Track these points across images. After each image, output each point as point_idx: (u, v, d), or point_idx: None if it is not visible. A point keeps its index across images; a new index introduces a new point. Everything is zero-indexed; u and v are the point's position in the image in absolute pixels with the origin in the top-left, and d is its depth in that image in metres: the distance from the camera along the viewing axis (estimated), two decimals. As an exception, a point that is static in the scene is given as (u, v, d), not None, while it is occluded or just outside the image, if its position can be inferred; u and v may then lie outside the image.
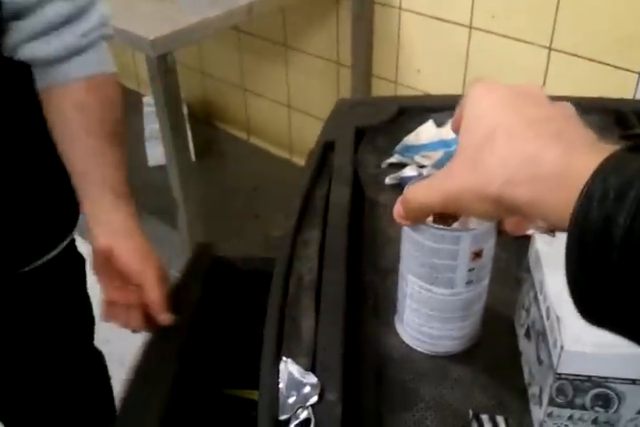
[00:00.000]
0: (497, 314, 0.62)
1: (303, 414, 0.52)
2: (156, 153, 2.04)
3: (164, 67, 1.38)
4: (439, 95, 1.02)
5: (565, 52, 1.47)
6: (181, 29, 1.34)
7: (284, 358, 0.57)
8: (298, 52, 1.98)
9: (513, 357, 0.59)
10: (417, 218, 0.49)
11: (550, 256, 0.54)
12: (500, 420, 0.53)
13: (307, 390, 0.54)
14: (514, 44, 1.53)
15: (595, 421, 0.50)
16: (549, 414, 0.50)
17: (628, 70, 1.38)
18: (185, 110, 2.09)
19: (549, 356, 0.49)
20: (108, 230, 0.77)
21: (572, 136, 0.37)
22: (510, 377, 0.57)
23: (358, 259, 0.69)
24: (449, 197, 0.41)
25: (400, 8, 1.67)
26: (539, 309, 0.53)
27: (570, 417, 0.50)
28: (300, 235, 0.72)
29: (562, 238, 0.56)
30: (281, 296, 0.64)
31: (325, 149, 0.84)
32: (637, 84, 1.36)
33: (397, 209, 0.48)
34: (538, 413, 0.52)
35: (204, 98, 2.36)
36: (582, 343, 0.47)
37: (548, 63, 1.52)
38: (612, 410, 0.49)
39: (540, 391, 0.51)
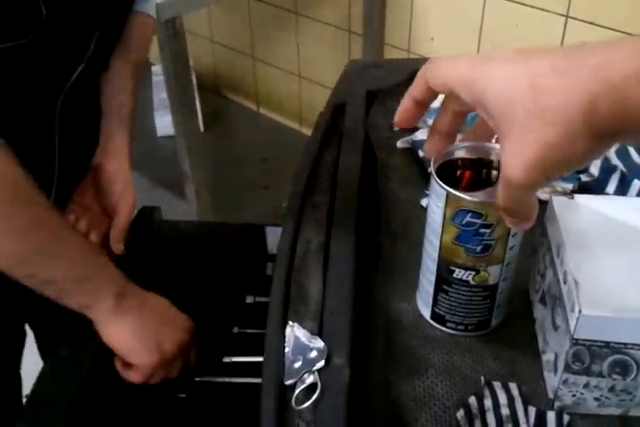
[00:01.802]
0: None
1: (309, 379, 0.51)
2: (164, 123, 2.01)
3: (172, 31, 1.35)
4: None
5: (582, 20, 1.43)
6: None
7: (290, 323, 0.55)
8: (308, 19, 1.93)
9: (527, 324, 0.57)
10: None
11: (568, 220, 0.52)
12: (513, 387, 0.51)
13: (313, 354, 0.52)
14: (529, 12, 1.49)
15: (612, 389, 0.48)
16: (564, 382, 0.48)
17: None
18: (194, 80, 2.05)
19: (566, 321, 0.47)
20: (102, 151, 0.83)
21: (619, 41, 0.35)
22: (524, 344, 0.55)
23: (369, 222, 0.67)
24: (534, 167, 0.37)
25: (414, -26, 1.62)
26: (555, 273, 0.51)
27: (586, 385, 0.48)
28: (309, 199, 0.70)
29: (579, 202, 0.54)
30: (288, 260, 0.62)
31: (336, 112, 0.81)
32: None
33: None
34: (552, 380, 0.50)
35: (214, 68, 2.32)
36: (601, 308, 0.45)
37: (564, 31, 1.47)
38: (630, 378, 0.47)
39: (556, 358, 0.49)
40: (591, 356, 0.47)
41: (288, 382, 0.51)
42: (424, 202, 0.68)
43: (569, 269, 0.48)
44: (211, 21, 2.20)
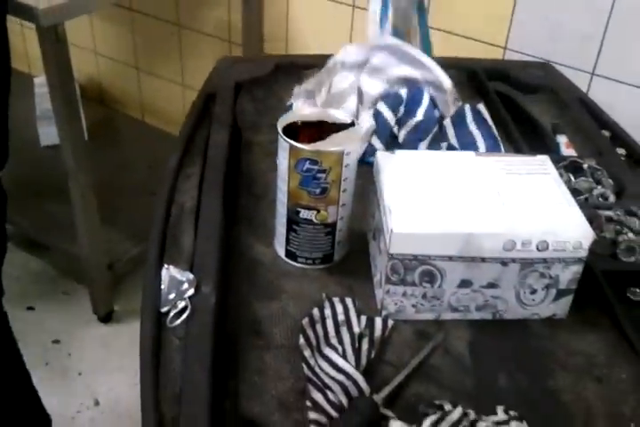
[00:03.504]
0: (353, 228, 0.71)
1: (181, 304, 0.60)
2: (48, 132, 2.04)
3: (54, 38, 1.40)
4: (310, 55, 1.12)
5: (442, 30, 1.60)
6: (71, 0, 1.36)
7: (165, 266, 0.65)
8: (190, 31, 2.03)
9: (364, 258, 0.69)
10: None
11: (388, 167, 0.65)
12: (349, 301, 0.63)
13: (185, 286, 0.62)
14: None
15: (424, 296, 0.61)
16: (387, 292, 0.60)
17: (495, 45, 1.53)
18: (77, 91, 2.09)
19: (384, 242, 0.59)
20: None
21: None
22: (361, 273, 0.67)
23: (235, 187, 0.77)
24: None
25: (287, -13, 1.75)
26: (379, 210, 0.63)
27: (404, 293, 0.60)
28: (182, 171, 0.79)
29: (398, 155, 0.67)
30: (162, 220, 0.71)
31: (207, 101, 0.92)
32: (503, 57, 1.50)
33: None
34: (379, 293, 0.62)
35: (98, 79, 2.36)
36: (407, 227, 0.57)
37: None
38: (437, 285, 0.60)
39: (380, 276, 0.61)
40: (404, 268, 0.59)
41: (163, 310, 0.60)
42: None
43: (386, 203, 0.60)
44: (94, 33, 2.25)
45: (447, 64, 1.06)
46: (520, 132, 0.89)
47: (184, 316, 0.59)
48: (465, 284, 0.60)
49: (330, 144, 0.61)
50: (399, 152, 0.67)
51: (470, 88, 1.02)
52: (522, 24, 1.44)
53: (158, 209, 0.73)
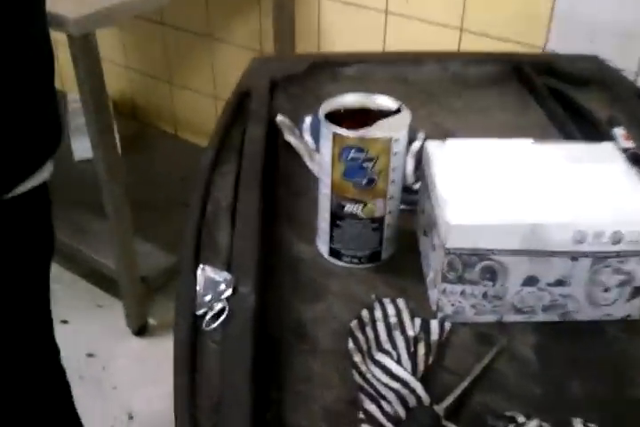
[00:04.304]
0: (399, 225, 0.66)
1: (218, 306, 0.55)
2: (82, 147, 2.05)
3: (86, 47, 1.39)
4: (345, 52, 1.08)
5: (475, 33, 1.55)
6: (102, 9, 1.35)
7: (200, 266, 0.60)
8: (222, 43, 2.01)
9: (414, 257, 0.63)
10: None
11: (439, 157, 0.59)
12: (401, 302, 0.57)
13: (222, 287, 0.57)
14: (427, 27, 1.61)
15: (485, 295, 0.55)
16: (443, 292, 0.55)
17: (534, 46, 1.48)
18: (110, 105, 2.09)
19: (439, 236, 0.54)
20: None
21: None
22: (411, 273, 0.62)
23: (272, 184, 0.73)
24: None
25: (319, -4, 1.73)
26: (431, 202, 0.57)
27: (462, 293, 0.55)
28: (217, 168, 0.75)
29: (449, 144, 0.62)
30: (198, 216, 0.67)
31: (242, 98, 0.88)
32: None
33: None
34: (434, 293, 0.57)
35: (130, 94, 2.36)
36: (466, 218, 0.52)
37: (459, 43, 1.60)
38: (499, 283, 0.54)
39: (435, 274, 0.56)
40: (463, 264, 0.53)
41: (199, 312, 0.56)
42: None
43: (439, 193, 0.55)
44: (125, 48, 2.25)
45: (488, 59, 1.02)
46: (574, 124, 0.83)
47: (221, 318, 0.54)
48: (530, 281, 0.54)
49: (376, 131, 0.56)
50: (450, 141, 0.62)
51: (516, 83, 0.96)
52: (561, 23, 1.39)
53: (193, 206, 0.69)
